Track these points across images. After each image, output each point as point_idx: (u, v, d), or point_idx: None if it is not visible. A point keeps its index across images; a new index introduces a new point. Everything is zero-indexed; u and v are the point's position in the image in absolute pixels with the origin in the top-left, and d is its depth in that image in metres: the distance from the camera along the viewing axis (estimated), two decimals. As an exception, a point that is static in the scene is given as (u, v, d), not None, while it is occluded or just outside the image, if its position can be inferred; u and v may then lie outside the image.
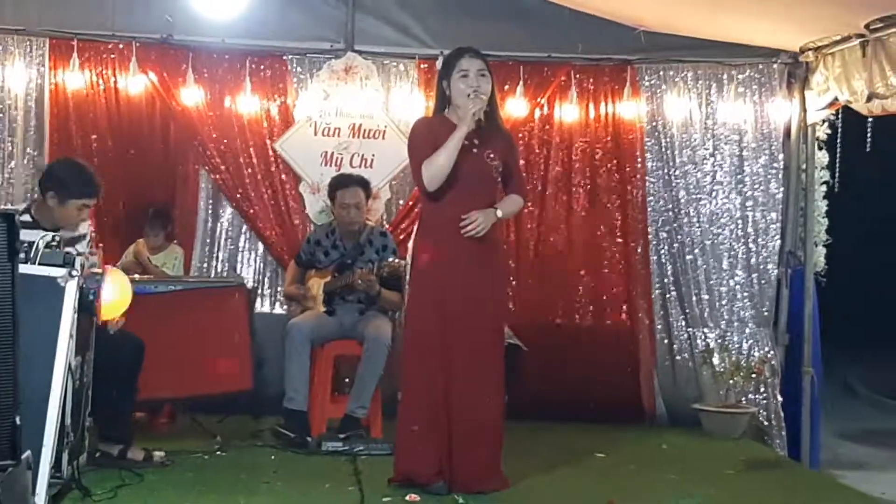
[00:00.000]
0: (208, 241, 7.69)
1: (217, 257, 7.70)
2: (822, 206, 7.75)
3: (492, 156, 5.36)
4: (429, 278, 5.37)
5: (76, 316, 4.63)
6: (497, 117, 5.53)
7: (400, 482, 5.38)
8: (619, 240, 7.79)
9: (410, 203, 7.59)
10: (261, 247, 7.72)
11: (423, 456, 5.31)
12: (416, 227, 5.69)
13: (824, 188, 7.74)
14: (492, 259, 5.47)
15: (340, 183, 6.97)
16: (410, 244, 5.84)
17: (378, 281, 6.74)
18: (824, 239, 7.76)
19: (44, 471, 4.43)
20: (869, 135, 6.91)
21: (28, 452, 4.08)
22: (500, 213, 5.37)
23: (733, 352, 7.63)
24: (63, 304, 4.55)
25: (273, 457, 6.18)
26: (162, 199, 7.63)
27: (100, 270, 4.94)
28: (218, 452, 6.19)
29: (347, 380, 6.89)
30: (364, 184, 6.99)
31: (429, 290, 5.36)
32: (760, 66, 7.72)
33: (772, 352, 7.67)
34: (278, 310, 7.65)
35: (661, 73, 7.75)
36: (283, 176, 7.64)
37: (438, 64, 5.60)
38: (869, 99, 6.51)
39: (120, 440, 5.73)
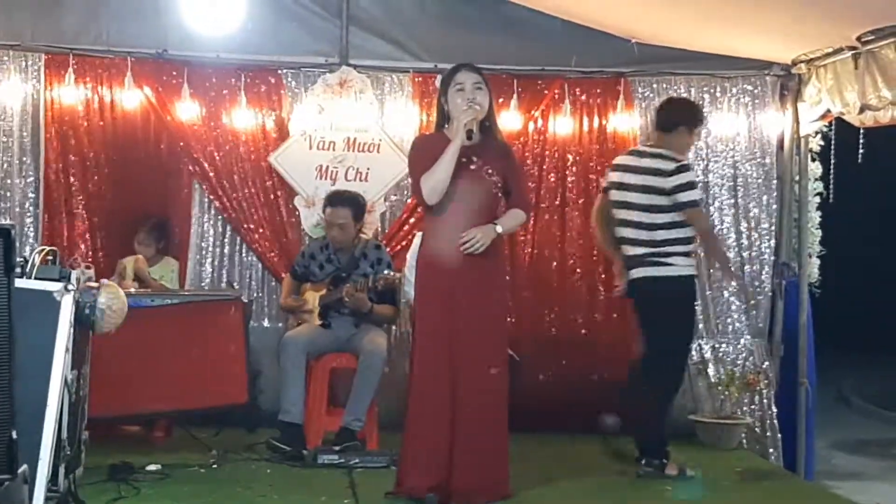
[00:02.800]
0: (203, 254, 7.69)
1: (212, 271, 7.70)
2: (816, 217, 7.78)
3: (490, 171, 5.37)
4: (433, 294, 5.39)
5: (72, 330, 4.64)
6: (496, 131, 5.56)
7: (402, 494, 5.39)
8: (615, 251, 7.80)
9: (405, 216, 7.61)
10: (256, 260, 7.73)
11: (423, 469, 5.32)
12: (417, 241, 5.70)
13: (818, 199, 7.77)
14: (494, 273, 5.49)
15: (330, 201, 7.01)
16: (409, 255, 5.86)
17: (374, 295, 6.76)
18: (818, 250, 7.79)
19: (40, 485, 4.43)
20: (862, 146, 6.94)
21: (25, 466, 4.08)
22: (499, 229, 5.38)
23: (728, 363, 7.65)
24: (59, 318, 4.57)
25: (269, 470, 6.18)
26: (158, 213, 7.65)
27: (95, 284, 4.95)
28: (214, 466, 6.20)
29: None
30: (354, 204, 6.98)
31: (434, 305, 5.38)
32: (753, 79, 7.75)
33: (766, 363, 7.68)
34: (274, 323, 7.67)
35: (655, 85, 7.77)
36: (278, 190, 7.66)
37: (437, 82, 5.62)
38: (861, 111, 6.54)
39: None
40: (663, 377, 6.26)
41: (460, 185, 5.28)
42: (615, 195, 6.37)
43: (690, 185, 6.18)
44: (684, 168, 6.19)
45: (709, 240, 6.60)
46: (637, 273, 6.25)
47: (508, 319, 7.45)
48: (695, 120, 6.49)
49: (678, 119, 6.41)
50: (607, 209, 6.49)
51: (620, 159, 6.60)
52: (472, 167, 5.34)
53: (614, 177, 6.43)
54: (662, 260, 6.16)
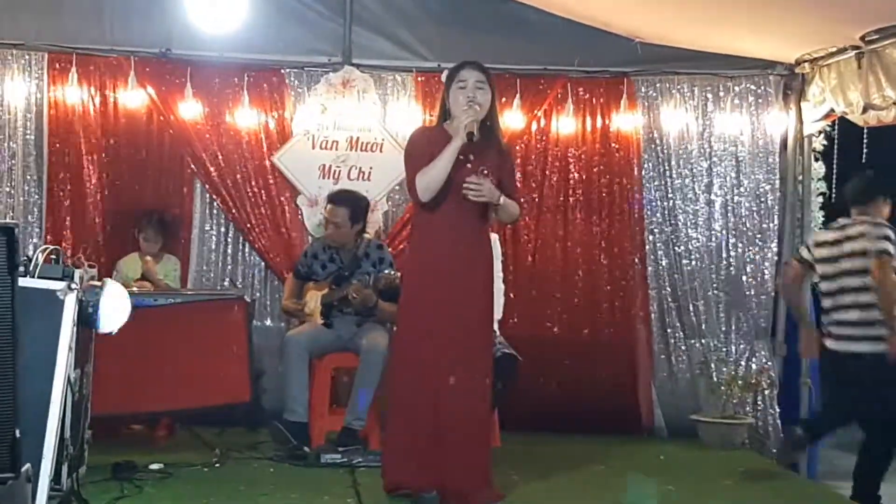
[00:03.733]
0: (206, 254, 7.70)
1: (215, 270, 7.71)
2: (819, 216, 7.77)
3: (485, 172, 5.33)
4: (419, 289, 5.38)
5: (75, 329, 4.64)
6: (496, 131, 5.52)
7: (391, 492, 5.39)
8: (617, 251, 7.80)
9: (408, 215, 7.61)
10: (259, 260, 7.73)
11: (411, 465, 5.31)
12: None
13: (821, 199, 7.76)
14: (481, 270, 5.46)
15: (329, 198, 7.00)
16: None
17: (376, 294, 6.75)
18: (821, 250, 7.76)
19: (43, 483, 4.43)
20: (865, 146, 6.94)
21: (28, 465, 4.09)
22: (502, 200, 5.33)
23: (731, 363, 7.65)
24: (62, 316, 4.57)
25: (272, 469, 6.18)
26: (159, 209, 7.61)
27: (98, 283, 4.95)
28: (216, 465, 6.19)
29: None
30: (352, 203, 6.94)
31: (419, 300, 5.37)
32: (757, 78, 7.75)
33: (769, 363, 7.68)
34: (276, 322, 7.67)
35: (658, 85, 7.78)
36: (281, 189, 7.66)
37: (443, 77, 5.62)
38: (865, 110, 6.54)
39: None
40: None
41: (455, 182, 5.26)
42: (823, 269, 6.28)
43: (888, 239, 6.00)
44: (886, 226, 6.11)
45: (886, 294, 6.00)
46: (845, 346, 6.16)
47: (512, 320, 7.52)
48: (889, 188, 6.42)
49: (875, 191, 6.36)
50: (802, 280, 6.54)
51: (820, 235, 6.58)
52: (469, 165, 5.31)
53: (821, 252, 6.33)
54: (872, 332, 6.02)
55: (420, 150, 5.36)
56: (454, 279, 5.31)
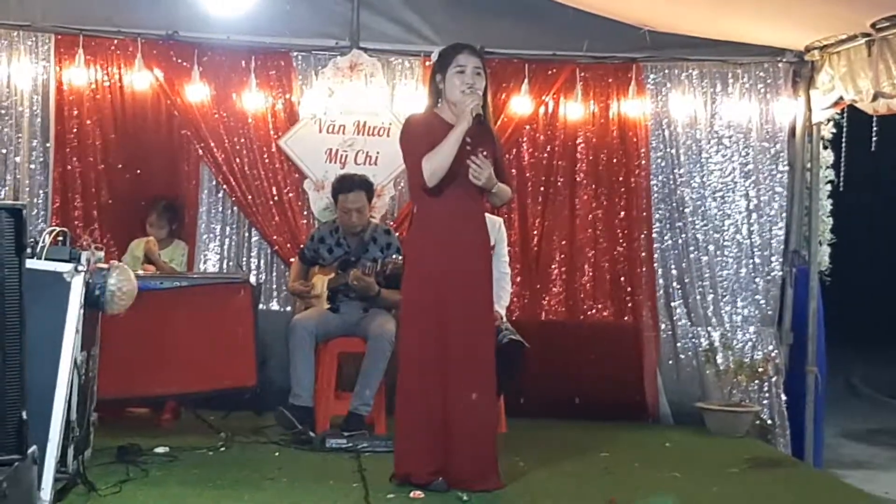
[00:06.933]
0: (212, 237, 7.69)
1: (221, 254, 7.69)
2: (827, 205, 7.75)
3: (485, 154, 5.34)
4: (423, 274, 5.37)
5: (82, 311, 4.64)
6: (489, 117, 5.54)
7: (399, 481, 5.39)
8: (623, 238, 7.79)
9: (414, 201, 7.60)
10: (265, 244, 7.72)
11: (420, 456, 5.31)
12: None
13: (829, 187, 7.74)
14: (481, 254, 5.48)
15: (342, 186, 6.96)
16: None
17: (383, 279, 6.74)
18: (829, 238, 7.76)
19: (49, 465, 4.44)
20: (874, 134, 6.91)
21: (34, 447, 4.09)
22: (497, 187, 5.37)
23: (737, 350, 7.63)
24: (69, 299, 4.57)
25: (277, 453, 6.18)
26: (168, 195, 7.62)
27: (105, 265, 4.94)
28: (222, 449, 6.19)
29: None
30: (366, 185, 6.97)
31: (423, 286, 5.36)
32: (766, 65, 7.71)
33: (775, 351, 7.66)
34: (283, 306, 7.66)
35: (667, 71, 7.75)
36: (288, 173, 7.64)
37: (434, 57, 5.60)
38: (874, 98, 6.50)
39: None
40: None
41: (457, 164, 5.25)
42: None
43: None
44: None
45: None
46: None
47: (518, 306, 7.51)
48: None
49: None
50: None
51: None
52: (468, 148, 5.31)
53: None
54: None
55: (421, 136, 5.35)
56: (457, 264, 5.32)
